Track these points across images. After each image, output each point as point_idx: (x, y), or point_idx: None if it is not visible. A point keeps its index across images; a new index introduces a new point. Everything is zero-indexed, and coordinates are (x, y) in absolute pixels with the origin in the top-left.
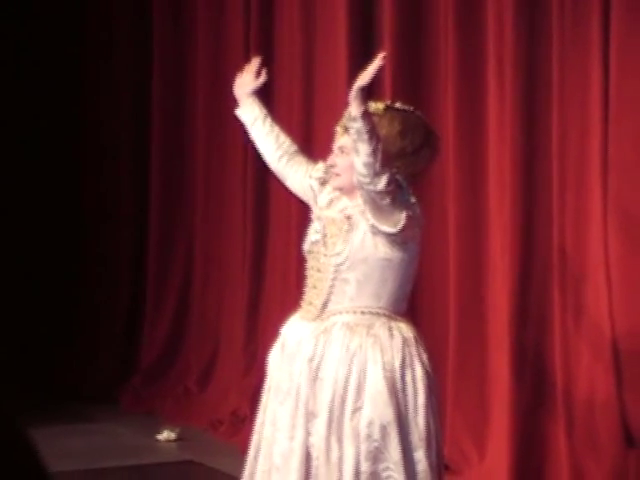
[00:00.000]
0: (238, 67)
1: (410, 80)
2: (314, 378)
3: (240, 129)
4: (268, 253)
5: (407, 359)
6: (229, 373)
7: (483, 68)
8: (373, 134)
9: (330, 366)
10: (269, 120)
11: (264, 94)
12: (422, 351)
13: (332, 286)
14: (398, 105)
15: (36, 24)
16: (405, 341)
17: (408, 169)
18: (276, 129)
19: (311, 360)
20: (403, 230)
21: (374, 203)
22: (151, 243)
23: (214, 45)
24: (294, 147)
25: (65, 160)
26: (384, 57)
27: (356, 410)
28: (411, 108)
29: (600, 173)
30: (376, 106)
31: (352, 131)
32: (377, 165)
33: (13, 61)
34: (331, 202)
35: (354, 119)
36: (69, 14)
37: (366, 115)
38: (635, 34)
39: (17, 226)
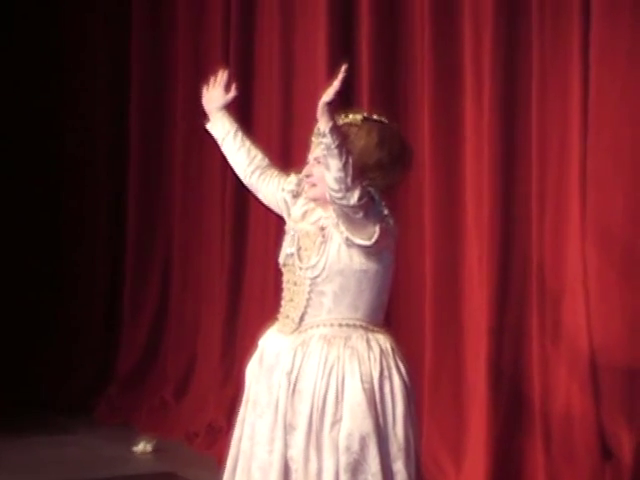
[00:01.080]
0: (219, 65)
1: (387, 90)
2: (293, 391)
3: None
4: (246, 264)
5: (385, 370)
6: (206, 384)
7: (460, 79)
8: (342, 148)
9: (308, 379)
10: (240, 135)
11: (243, 103)
12: (400, 362)
13: (309, 299)
14: (375, 117)
15: (8, 34)
16: (383, 352)
17: (384, 180)
18: (247, 143)
19: (289, 373)
20: (377, 242)
21: (347, 217)
22: (128, 253)
23: (193, 53)
24: (266, 161)
25: (42, 171)
26: (346, 69)
27: (335, 422)
28: (386, 120)
29: (579, 187)
30: (354, 117)
31: (322, 146)
32: (348, 179)
33: None
34: (305, 214)
35: (323, 134)
36: (43, 30)
37: (335, 130)
38: (615, 48)
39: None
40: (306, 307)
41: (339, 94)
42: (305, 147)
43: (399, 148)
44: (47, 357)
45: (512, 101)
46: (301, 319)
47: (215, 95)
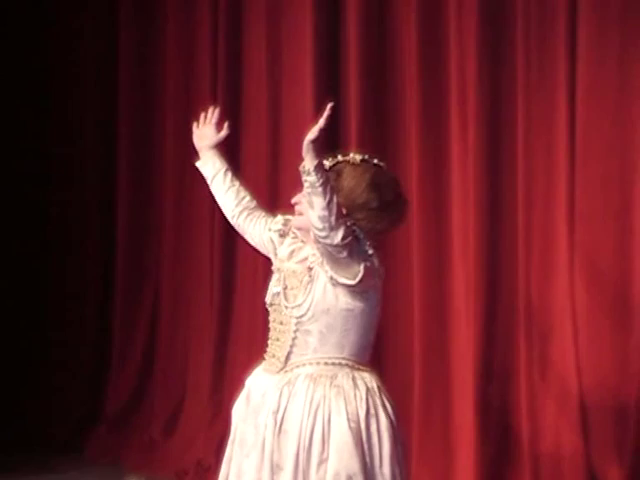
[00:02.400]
0: (207, 101)
1: (375, 120)
2: (279, 431)
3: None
4: (235, 303)
5: (372, 409)
6: (195, 422)
7: (446, 114)
8: (327, 187)
9: (295, 418)
10: (230, 175)
11: (231, 138)
12: (386, 400)
13: (295, 338)
14: (376, 161)
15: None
16: (369, 391)
17: (370, 224)
18: (237, 184)
19: (275, 412)
20: (362, 282)
21: (331, 256)
22: (117, 294)
23: (183, 87)
24: (254, 202)
25: (29, 196)
26: (332, 107)
27: (322, 462)
28: (386, 168)
29: (566, 223)
30: (353, 157)
31: (306, 184)
32: (332, 218)
33: None
34: (292, 253)
35: (307, 172)
36: (29, 37)
37: (319, 168)
38: (601, 80)
39: None
40: (292, 346)
41: (324, 132)
42: (293, 182)
43: (391, 196)
44: (35, 397)
45: (498, 137)
46: (287, 358)
47: (206, 133)
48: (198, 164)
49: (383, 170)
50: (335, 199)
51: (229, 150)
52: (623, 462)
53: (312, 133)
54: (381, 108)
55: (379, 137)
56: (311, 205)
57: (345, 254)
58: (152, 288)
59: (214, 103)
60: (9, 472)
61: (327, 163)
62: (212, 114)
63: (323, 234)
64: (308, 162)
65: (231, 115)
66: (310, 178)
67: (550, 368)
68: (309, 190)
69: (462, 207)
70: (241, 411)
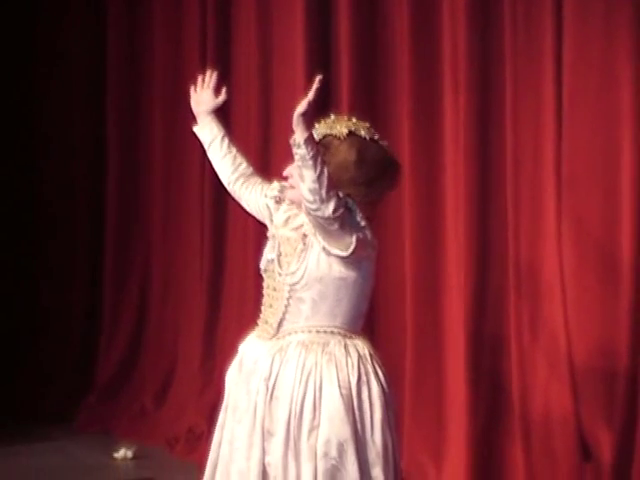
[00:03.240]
0: (195, 79)
1: (367, 95)
2: (270, 397)
3: (198, 145)
4: (226, 271)
5: (363, 376)
6: (186, 391)
7: (438, 85)
8: (317, 159)
9: (286, 385)
10: (227, 141)
11: (221, 108)
12: (378, 368)
13: (287, 305)
14: (363, 132)
15: None
16: (361, 358)
17: (358, 197)
18: (234, 150)
19: (267, 379)
20: (354, 253)
21: (323, 228)
22: (107, 260)
23: (171, 59)
24: (250, 169)
25: (17, 174)
26: (320, 80)
27: (313, 429)
28: (375, 136)
29: (554, 188)
30: (340, 130)
31: (297, 157)
32: (323, 191)
33: None
34: (287, 220)
35: (298, 145)
36: (17, 22)
37: (310, 141)
38: (588, 49)
39: None
40: (284, 313)
41: (314, 105)
42: (284, 153)
43: (378, 170)
44: (26, 366)
45: (488, 106)
46: (279, 325)
47: (204, 98)
48: (195, 129)
49: (371, 142)
50: (326, 171)
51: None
52: (613, 425)
53: (301, 106)
54: (373, 79)
55: (371, 108)
56: (302, 178)
57: (337, 226)
58: (142, 258)
59: (203, 66)
60: (1, 442)
61: (315, 135)
62: (210, 78)
63: (314, 207)
64: (298, 135)
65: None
66: (300, 151)
67: (540, 333)
68: (299, 163)
69: (453, 177)
70: (234, 377)
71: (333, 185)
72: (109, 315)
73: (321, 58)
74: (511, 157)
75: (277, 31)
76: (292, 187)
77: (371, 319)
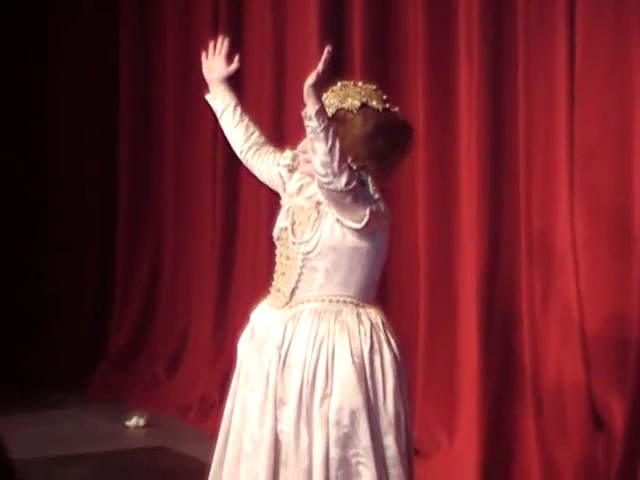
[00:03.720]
0: (208, 41)
1: (380, 65)
2: (283, 365)
3: (209, 117)
4: (238, 239)
5: (376, 345)
6: (198, 359)
7: (452, 57)
8: (329, 132)
9: (298, 353)
10: (239, 110)
11: (233, 77)
12: (391, 336)
13: (301, 274)
14: (375, 102)
15: None
16: (373, 326)
17: (377, 168)
18: (246, 119)
19: (280, 347)
20: (367, 225)
21: (336, 201)
22: (119, 228)
23: (183, 33)
24: (262, 138)
25: (30, 155)
26: (329, 51)
27: (325, 397)
28: (387, 105)
29: (566, 159)
30: (352, 102)
31: (308, 130)
32: (335, 164)
33: None
34: (301, 188)
35: (309, 118)
36: (28, 20)
37: (321, 113)
38: (600, 19)
39: None
40: (297, 282)
41: (325, 75)
42: (297, 124)
43: (395, 139)
44: (39, 335)
45: (500, 74)
46: (292, 293)
47: (217, 65)
48: (208, 97)
49: (382, 113)
50: (338, 144)
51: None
52: (625, 393)
53: (311, 77)
54: (386, 48)
55: (384, 78)
56: (313, 151)
57: (350, 199)
58: (154, 226)
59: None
60: (12, 409)
61: (329, 109)
62: (221, 45)
63: (326, 180)
64: (309, 107)
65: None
66: (312, 123)
67: (552, 303)
68: (311, 136)
69: (467, 148)
70: (246, 345)
71: (345, 158)
72: (122, 284)
73: (334, 26)
74: (524, 128)
75: (291, 16)
76: (307, 162)
77: (384, 289)
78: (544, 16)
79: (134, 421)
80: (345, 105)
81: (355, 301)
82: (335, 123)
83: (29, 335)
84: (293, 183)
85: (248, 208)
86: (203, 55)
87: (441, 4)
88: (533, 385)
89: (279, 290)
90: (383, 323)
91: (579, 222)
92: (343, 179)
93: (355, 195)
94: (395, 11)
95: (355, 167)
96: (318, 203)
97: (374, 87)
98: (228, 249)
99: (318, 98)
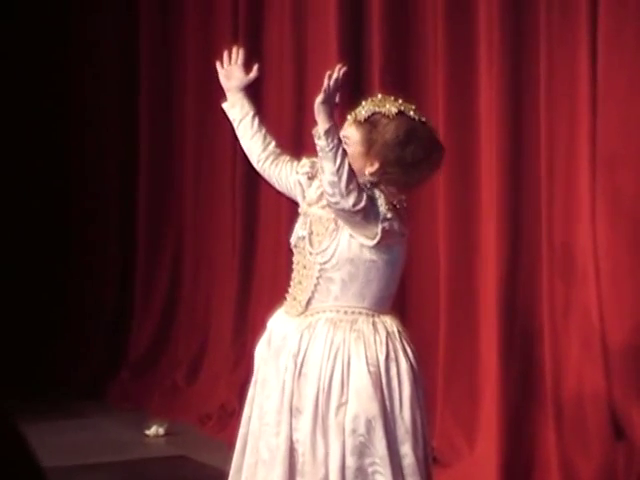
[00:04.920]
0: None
1: (399, 72)
2: (299, 374)
3: (229, 123)
4: (258, 246)
5: (392, 353)
6: (218, 367)
7: (472, 61)
8: (337, 152)
9: (314, 362)
10: (257, 120)
11: (253, 88)
12: (407, 345)
13: (317, 284)
14: (412, 113)
15: (18, 24)
16: (389, 335)
17: (403, 178)
18: (263, 129)
19: (296, 356)
20: (380, 242)
21: (346, 219)
22: (139, 237)
23: (203, 38)
24: (279, 149)
25: (52, 158)
26: (340, 69)
27: (341, 405)
28: (423, 118)
29: (588, 165)
30: (389, 108)
31: (318, 148)
32: (342, 184)
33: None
34: (320, 196)
35: (318, 136)
36: (50, 16)
37: (330, 133)
38: (623, 25)
39: (3, 219)
40: (313, 292)
41: (335, 93)
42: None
43: (425, 151)
44: (59, 342)
45: (520, 81)
46: (308, 303)
47: (235, 73)
48: (225, 106)
49: (419, 123)
50: (346, 165)
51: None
52: None
53: (320, 95)
54: (405, 54)
55: (403, 85)
56: (322, 169)
57: (359, 218)
58: (174, 232)
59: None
60: (32, 417)
61: (363, 112)
62: (236, 54)
63: (333, 200)
64: (319, 125)
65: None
66: (321, 142)
67: (573, 311)
68: (320, 154)
69: (487, 155)
70: (263, 353)
71: (353, 178)
72: (141, 291)
73: (354, 31)
74: (545, 137)
75: (310, 7)
76: None
77: (404, 298)
78: (566, 19)
79: (154, 430)
80: (381, 110)
81: (371, 312)
82: (368, 126)
83: (48, 343)
84: (313, 190)
85: (268, 213)
86: (218, 64)
87: (461, 10)
88: (553, 394)
89: (295, 299)
90: (399, 331)
91: (601, 231)
92: (351, 199)
93: (365, 215)
94: (414, 17)
95: (368, 184)
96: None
97: (414, 106)
98: (248, 255)
99: (328, 116)
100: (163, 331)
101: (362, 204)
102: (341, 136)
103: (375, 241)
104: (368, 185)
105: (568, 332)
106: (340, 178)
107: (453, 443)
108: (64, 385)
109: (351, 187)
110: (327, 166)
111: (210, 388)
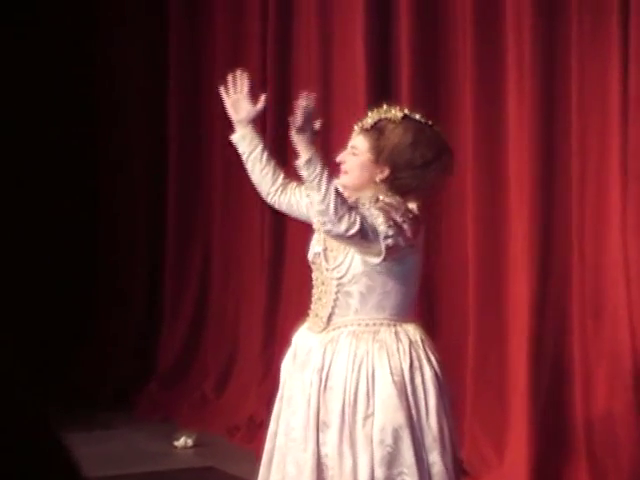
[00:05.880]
0: (257, 73)
1: (428, 84)
2: (324, 388)
3: (258, 130)
4: (286, 258)
5: (415, 362)
6: (246, 379)
7: (502, 69)
8: (321, 181)
9: (339, 375)
10: (266, 153)
11: (280, 105)
12: (430, 353)
13: (336, 299)
14: (417, 117)
15: (46, 29)
16: (412, 344)
17: (415, 181)
18: (272, 162)
19: (320, 370)
20: (386, 259)
21: (346, 243)
22: (168, 247)
23: (231, 56)
24: (287, 179)
25: (81, 168)
26: (308, 97)
27: (367, 417)
28: (429, 122)
29: (619, 177)
30: (394, 114)
31: (303, 179)
32: (331, 212)
33: (20, 69)
34: None
35: (299, 168)
36: (80, 18)
37: (310, 163)
38: None
39: (34, 230)
40: (333, 307)
41: (306, 120)
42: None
43: (435, 152)
44: (88, 353)
45: (553, 92)
46: (329, 319)
47: (242, 105)
48: (234, 139)
49: (424, 126)
50: (332, 191)
51: (279, 116)
52: None
53: (294, 123)
54: (434, 65)
55: (432, 95)
56: (310, 198)
57: (356, 240)
58: (203, 244)
59: (263, 72)
60: (61, 429)
61: (369, 121)
62: (241, 81)
63: (326, 228)
64: (299, 156)
65: (282, 80)
66: (303, 173)
67: (603, 324)
68: (306, 184)
69: (517, 165)
70: (288, 367)
71: (342, 203)
72: (170, 302)
73: (382, 45)
74: (576, 146)
75: (337, 21)
76: (345, 172)
77: (433, 304)
78: (597, 36)
79: (182, 441)
80: (387, 115)
81: (392, 322)
82: (375, 133)
83: (76, 354)
84: None
85: (297, 225)
86: (222, 90)
87: (491, 21)
88: (583, 404)
89: (317, 315)
90: (422, 340)
91: (631, 244)
92: (343, 225)
93: (362, 236)
94: (444, 29)
95: (368, 204)
96: None
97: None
98: (276, 267)
99: (307, 145)
100: (192, 342)
101: (356, 228)
102: (349, 147)
103: (380, 258)
104: (367, 204)
105: (598, 343)
106: (328, 206)
107: (482, 454)
108: (92, 396)
109: (341, 213)
110: (313, 196)
111: (238, 399)
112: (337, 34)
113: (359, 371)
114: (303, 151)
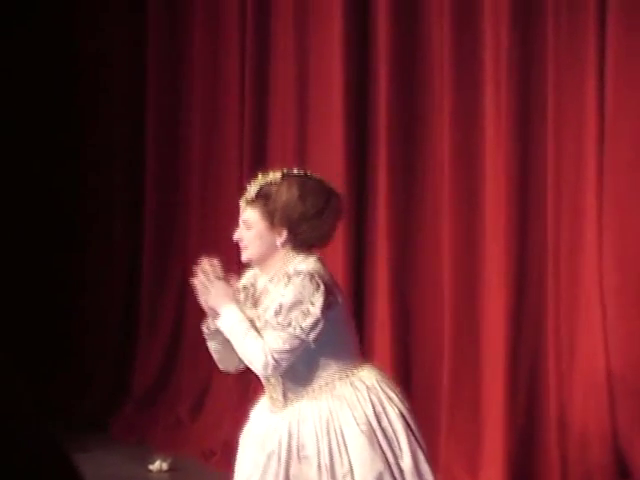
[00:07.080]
0: (235, 75)
1: (405, 96)
2: (298, 458)
3: (236, 144)
4: None
5: (378, 406)
6: (222, 402)
7: (479, 79)
8: (237, 339)
9: (310, 442)
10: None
11: (259, 112)
12: (390, 391)
13: (283, 377)
14: (295, 171)
15: (24, 28)
16: (370, 389)
17: (314, 232)
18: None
19: (288, 442)
20: (317, 339)
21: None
22: (144, 270)
23: (211, 62)
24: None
25: (58, 173)
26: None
27: (346, 475)
28: (308, 172)
29: (595, 204)
30: (273, 176)
31: None
32: (255, 364)
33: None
34: (258, 299)
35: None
36: (59, 21)
37: (223, 326)
38: (632, 51)
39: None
40: (284, 384)
41: (214, 311)
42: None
43: (324, 199)
44: (62, 375)
45: (528, 108)
46: (285, 396)
47: (223, 291)
48: (207, 329)
49: (304, 178)
50: (248, 345)
51: (257, 123)
52: None
53: (202, 296)
54: (412, 80)
55: (409, 113)
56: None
57: (292, 360)
58: (180, 268)
59: (241, 85)
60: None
61: (252, 191)
62: (213, 267)
63: (264, 374)
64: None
65: (259, 89)
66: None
67: (578, 346)
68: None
69: (493, 184)
70: (243, 443)
71: (259, 352)
72: (146, 326)
73: (359, 55)
74: (552, 166)
75: (314, 29)
76: (245, 248)
77: (407, 323)
78: (573, 46)
79: (157, 465)
80: (267, 180)
81: (344, 374)
82: (262, 199)
83: (51, 376)
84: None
85: None
86: (194, 280)
87: (468, 27)
88: (558, 429)
89: (272, 397)
90: (378, 381)
91: (607, 268)
92: (269, 369)
93: (294, 355)
94: (422, 42)
95: (309, 276)
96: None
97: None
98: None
99: (219, 309)
100: (168, 365)
101: (284, 363)
102: (240, 223)
103: (312, 345)
104: (308, 277)
105: (573, 371)
106: (250, 361)
107: (456, 476)
108: (67, 418)
109: (266, 360)
110: (236, 349)
111: (214, 423)
112: (314, 42)
113: (328, 433)
114: (219, 316)
